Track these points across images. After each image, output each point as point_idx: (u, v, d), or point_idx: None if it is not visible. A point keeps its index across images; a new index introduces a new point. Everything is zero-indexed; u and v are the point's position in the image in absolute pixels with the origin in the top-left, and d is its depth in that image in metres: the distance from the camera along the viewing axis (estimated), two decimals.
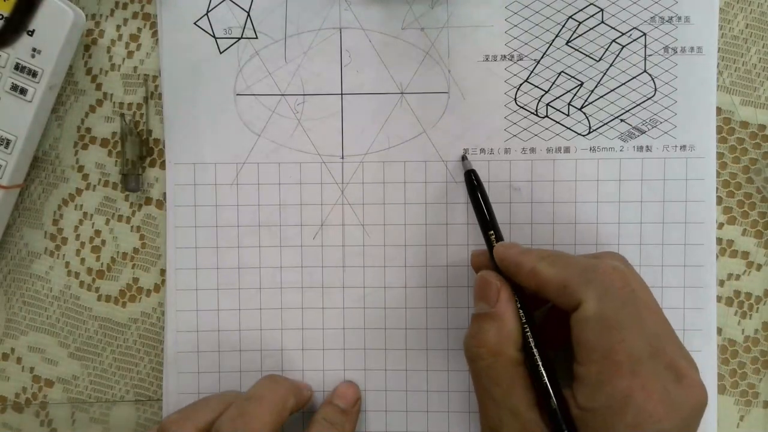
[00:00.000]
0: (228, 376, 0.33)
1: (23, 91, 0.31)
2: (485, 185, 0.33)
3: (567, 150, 0.33)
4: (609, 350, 0.24)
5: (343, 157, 0.33)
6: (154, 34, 0.34)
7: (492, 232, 0.29)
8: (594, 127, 0.33)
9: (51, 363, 0.35)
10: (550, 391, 0.25)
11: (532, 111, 0.33)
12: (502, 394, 0.26)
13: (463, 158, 0.32)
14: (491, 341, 0.26)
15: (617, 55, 0.32)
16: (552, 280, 0.26)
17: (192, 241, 0.33)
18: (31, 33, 0.31)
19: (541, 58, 0.33)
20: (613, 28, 0.32)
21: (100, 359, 0.34)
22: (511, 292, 0.27)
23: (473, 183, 0.31)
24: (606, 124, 0.33)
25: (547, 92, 0.33)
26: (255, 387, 0.30)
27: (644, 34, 0.32)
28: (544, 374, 0.26)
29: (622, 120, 0.32)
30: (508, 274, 0.27)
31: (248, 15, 0.33)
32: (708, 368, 0.32)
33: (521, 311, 0.27)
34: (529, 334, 0.26)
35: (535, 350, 0.26)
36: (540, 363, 0.26)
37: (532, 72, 0.33)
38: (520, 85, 0.33)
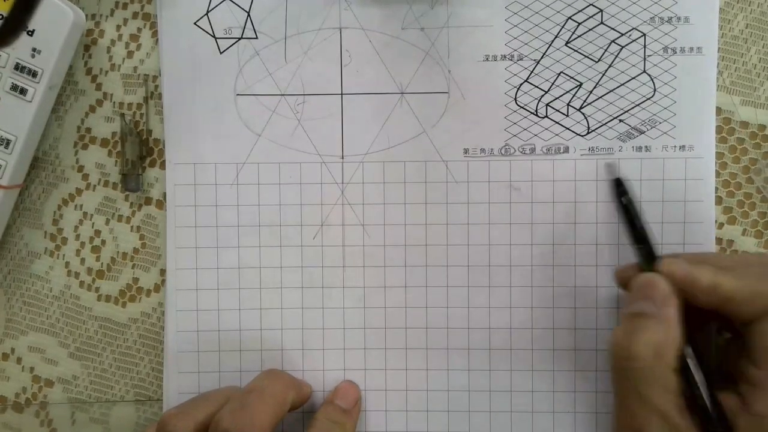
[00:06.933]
0: (228, 375, 0.33)
1: (23, 91, 0.31)
2: (485, 185, 0.33)
3: (566, 150, 0.33)
4: None
5: (343, 157, 0.33)
6: (154, 34, 0.34)
7: (642, 245, 0.28)
8: (593, 128, 0.33)
9: (51, 363, 0.35)
10: (708, 401, 0.26)
11: (532, 111, 0.33)
12: (656, 398, 0.25)
13: (608, 166, 0.31)
14: (655, 343, 0.26)
15: (616, 56, 0.32)
16: (738, 292, 0.26)
17: (192, 241, 0.33)
18: (31, 33, 0.31)
19: (541, 58, 0.33)
20: (613, 29, 0.32)
21: (100, 359, 0.34)
22: (679, 300, 0.27)
23: (620, 193, 0.29)
24: (605, 124, 0.33)
25: (546, 92, 0.33)
26: (255, 380, 0.30)
27: (644, 35, 0.32)
28: (703, 382, 0.26)
29: (621, 120, 0.32)
30: (677, 288, 0.27)
31: (248, 15, 0.33)
32: None
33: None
34: (687, 341, 0.26)
35: (693, 359, 0.26)
36: (699, 371, 0.26)
37: (532, 72, 0.33)
38: (520, 85, 0.33)
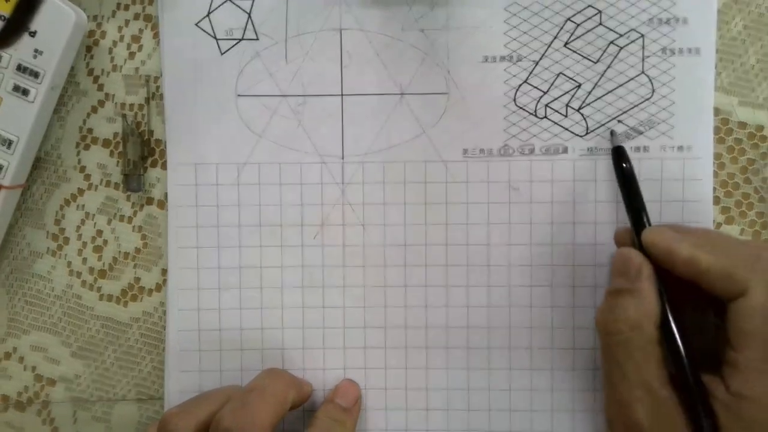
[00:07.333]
0: (229, 374, 0.34)
1: (25, 92, 0.32)
2: (484, 185, 0.33)
3: (565, 150, 0.33)
4: None
5: (343, 158, 0.33)
6: (156, 35, 0.34)
7: (633, 214, 0.29)
8: (591, 128, 0.33)
9: (53, 362, 0.35)
10: (688, 370, 0.26)
11: (531, 112, 0.33)
12: (636, 370, 0.26)
13: (612, 134, 0.32)
14: (631, 316, 0.26)
15: (615, 57, 0.33)
16: (713, 268, 0.26)
17: (193, 241, 0.33)
18: (33, 34, 0.31)
19: (540, 59, 0.33)
20: (611, 30, 0.32)
21: (102, 358, 0.35)
22: (652, 269, 0.27)
23: (620, 160, 0.31)
24: (603, 125, 0.33)
25: (545, 93, 0.33)
26: (256, 379, 0.31)
27: (642, 36, 0.32)
28: (683, 351, 0.26)
29: (619, 121, 0.33)
30: (659, 260, 0.27)
31: (249, 16, 0.33)
32: None
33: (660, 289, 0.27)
34: (669, 312, 0.27)
35: (674, 328, 0.26)
36: (679, 340, 0.26)
37: (531, 73, 0.33)
38: (520, 85, 0.33)
